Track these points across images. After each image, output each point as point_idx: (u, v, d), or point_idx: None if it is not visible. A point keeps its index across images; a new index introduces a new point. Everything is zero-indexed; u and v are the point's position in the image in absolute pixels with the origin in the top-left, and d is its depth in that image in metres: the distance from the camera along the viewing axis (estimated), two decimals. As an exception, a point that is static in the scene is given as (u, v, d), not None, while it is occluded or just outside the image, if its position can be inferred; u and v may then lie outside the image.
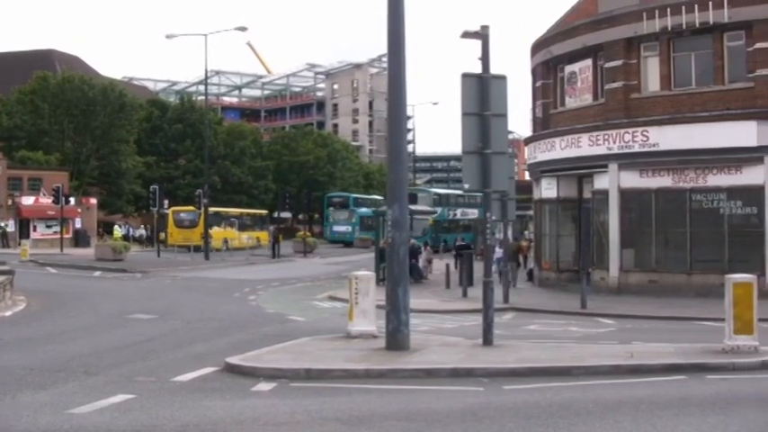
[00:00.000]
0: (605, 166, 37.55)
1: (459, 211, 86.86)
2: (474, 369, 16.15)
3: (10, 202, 75.22)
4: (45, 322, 25.06)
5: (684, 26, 35.78)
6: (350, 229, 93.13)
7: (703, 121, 35.09)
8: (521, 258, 47.69)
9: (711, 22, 35.03)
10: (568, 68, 41.82)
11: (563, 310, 31.69)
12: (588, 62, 40.31)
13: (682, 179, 35.95)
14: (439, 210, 79.15)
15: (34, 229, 76.85)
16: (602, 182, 38.21)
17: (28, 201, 77.43)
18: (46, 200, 74.34)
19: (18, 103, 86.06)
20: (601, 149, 37.51)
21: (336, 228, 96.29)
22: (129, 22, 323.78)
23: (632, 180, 37.06)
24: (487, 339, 19.00)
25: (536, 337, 22.73)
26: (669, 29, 36.23)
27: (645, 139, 36.10)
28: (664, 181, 36.40)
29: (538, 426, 11.53)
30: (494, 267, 38.85)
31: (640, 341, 21.21)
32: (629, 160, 36.74)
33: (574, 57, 41.08)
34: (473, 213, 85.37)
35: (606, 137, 37.38)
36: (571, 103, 41.79)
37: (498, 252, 37.48)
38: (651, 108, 36.88)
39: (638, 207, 37.63)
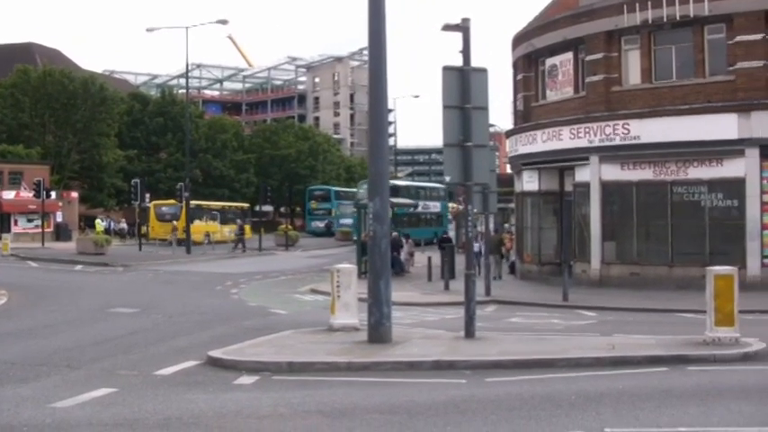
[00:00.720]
0: (586, 159, 37.64)
1: (420, 204, 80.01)
2: (456, 361, 16.17)
3: (-10, 196, 74.93)
4: (26, 316, 24.99)
5: (665, 19, 35.86)
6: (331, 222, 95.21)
7: (684, 113, 35.18)
8: (503, 251, 47.69)
9: (692, 15, 35.11)
10: (549, 61, 41.89)
11: (545, 302, 31.76)
12: (569, 55, 40.38)
13: (663, 172, 36.04)
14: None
15: (15, 224, 76.56)
16: (583, 174, 38.30)
17: (9, 195, 77.13)
18: (27, 194, 74.03)
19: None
20: (582, 142, 37.58)
21: (316, 222, 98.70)
22: (109, 15, 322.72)
23: (613, 173, 37.15)
24: (469, 332, 19.04)
25: (518, 330, 22.75)
26: (650, 22, 36.31)
27: (626, 131, 36.17)
28: (645, 174, 36.50)
29: (520, 417, 11.56)
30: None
31: (622, 333, 21.25)
32: (610, 153, 36.82)
33: (555, 50, 41.15)
34: (435, 207, 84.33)
35: (587, 130, 37.45)
36: (552, 96, 41.87)
37: (476, 246, 37.51)
38: (632, 101, 36.97)
39: (619, 200, 37.72)
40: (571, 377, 14.99)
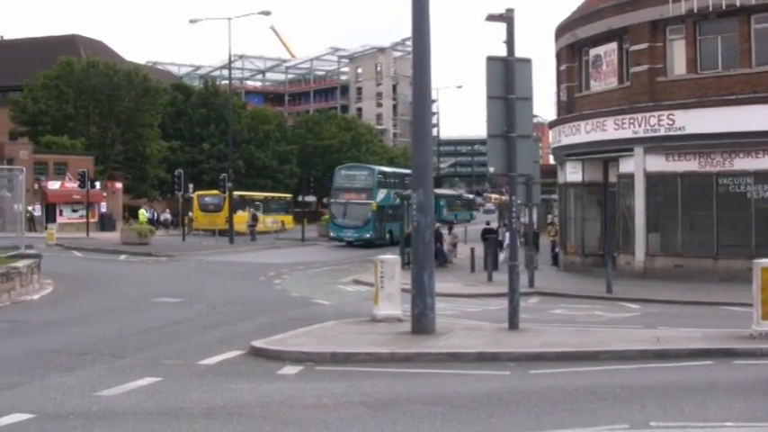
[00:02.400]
0: (631, 150, 37.39)
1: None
2: (500, 353, 16.12)
3: (36, 186, 75.47)
4: (71, 306, 25.21)
5: (711, 8, 35.50)
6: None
7: (730, 104, 34.82)
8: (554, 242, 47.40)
9: (738, 4, 34.73)
10: (593, 52, 41.61)
11: (588, 294, 31.62)
12: (613, 45, 40.08)
13: (708, 163, 35.74)
14: (384, 192, 66.99)
15: (60, 214, 77.19)
16: (627, 166, 38.04)
17: (54, 185, 77.78)
18: (71, 184, 74.60)
19: (43, 88, 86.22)
20: (626, 133, 37.33)
21: None
22: (152, 6, 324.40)
23: (658, 164, 36.87)
24: (513, 323, 18.99)
25: (561, 322, 22.68)
26: (695, 11, 35.95)
27: (671, 122, 35.89)
28: (690, 165, 36.20)
29: (564, 410, 11.50)
30: (502, 256, 39.26)
31: (666, 326, 21.13)
32: (654, 144, 36.56)
33: (599, 40, 40.86)
34: None
35: (632, 120, 37.19)
36: (596, 86, 41.59)
37: (507, 238, 37.45)
38: (677, 91, 36.65)
39: (663, 191, 37.41)
40: (615, 370, 14.89)
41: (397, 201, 63.60)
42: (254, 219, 69.83)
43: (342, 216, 65.28)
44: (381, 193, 66.00)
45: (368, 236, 63.98)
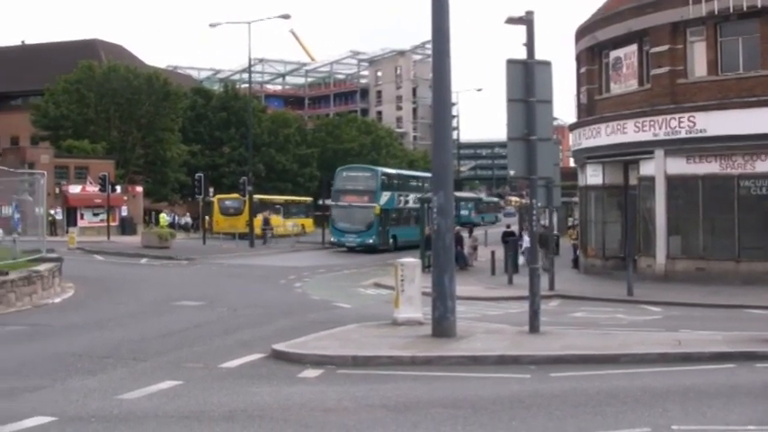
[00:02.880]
0: (651, 153, 37.30)
1: (411, 197, 66.51)
2: (520, 356, 16.09)
3: (57, 190, 75.78)
4: (93, 309, 25.31)
5: (731, 10, 35.38)
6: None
7: (751, 106, 34.69)
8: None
9: (759, 6, 34.62)
10: (613, 54, 41.53)
11: (609, 297, 31.53)
12: (633, 47, 39.99)
13: (729, 165, 35.63)
14: (387, 195, 63.74)
15: (81, 217, 77.55)
16: (648, 168, 37.95)
17: (75, 189, 78.13)
18: (92, 188, 74.95)
19: (64, 92, 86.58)
20: (647, 135, 37.23)
21: None
22: (172, 10, 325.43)
23: (679, 166, 36.77)
24: (534, 326, 18.96)
25: (582, 325, 22.63)
26: (716, 13, 35.83)
27: (692, 124, 35.79)
28: (711, 167, 36.09)
29: (585, 413, 11.48)
30: (521, 259, 39.18)
31: (688, 329, 21.07)
32: (675, 146, 36.46)
33: (619, 42, 40.77)
34: None
35: (652, 123, 37.09)
36: (616, 88, 41.51)
37: (527, 241, 37.41)
38: (698, 93, 36.53)
39: (684, 194, 37.29)
40: (636, 373, 14.84)
41: (401, 204, 65.04)
42: (267, 222, 69.70)
43: (343, 220, 62.54)
44: (385, 196, 63.23)
45: (370, 241, 61.11)
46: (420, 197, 57.09)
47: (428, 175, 73.53)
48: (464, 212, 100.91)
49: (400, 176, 71.16)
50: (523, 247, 39.96)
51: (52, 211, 73.25)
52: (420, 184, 69.53)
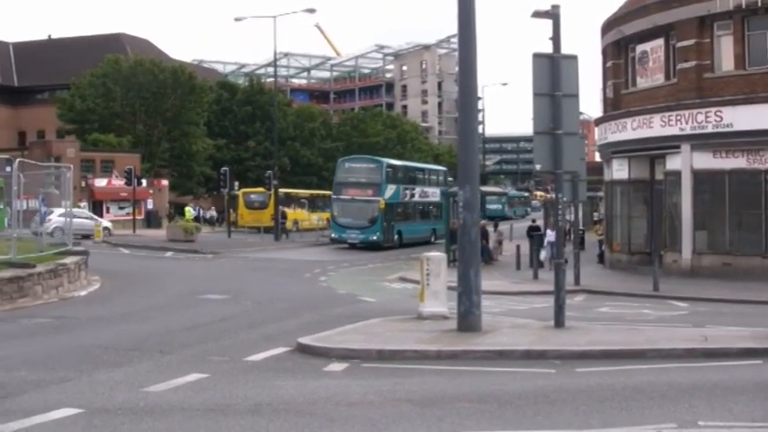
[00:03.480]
0: (678, 147, 37.14)
1: (417, 191, 64.13)
2: (546, 351, 16.06)
3: (83, 184, 76.08)
4: (119, 302, 25.40)
5: (759, 3, 35.18)
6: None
7: (779, 100, 34.53)
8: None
9: (787, 0, 34.45)
10: (640, 48, 41.35)
11: (635, 292, 31.44)
12: (660, 41, 39.81)
13: (756, 160, 35.44)
14: (392, 189, 59.77)
15: (107, 211, 77.78)
16: (674, 163, 37.80)
17: (101, 183, 78.45)
18: (118, 182, 75.22)
19: (90, 86, 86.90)
20: (673, 130, 37.07)
21: None
22: (198, 4, 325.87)
23: (705, 161, 36.60)
24: (559, 321, 18.92)
25: (608, 320, 22.57)
26: (743, 6, 35.62)
27: (718, 119, 35.60)
28: (738, 162, 35.92)
29: (612, 408, 11.44)
30: (544, 253, 39.06)
31: (714, 324, 20.98)
32: (702, 141, 36.29)
33: (645, 36, 40.60)
34: (434, 194, 65.95)
35: (679, 117, 36.93)
36: (642, 83, 41.34)
37: (550, 235, 37.31)
38: (724, 88, 36.33)
39: (711, 188, 37.12)
40: (662, 368, 14.79)
41: (407, 197, 61.70)
42: (284, 216, 69.33)
43: (345, 215, 58.77)
44: (390, 190, 59.38)
45: (374, 237, 57.32)
46: (444, 191, 56.82)
47: (434, 167, 71.45)
48: (498, 206, 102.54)
49: (406, 168, 67.51)
50: (546, 241, 39.76)
51: (82, 204, 73.68)
52: (426, 176, 68.19)
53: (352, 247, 56.90)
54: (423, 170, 70.41)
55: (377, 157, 68.00)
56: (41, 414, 10.62)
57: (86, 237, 54.31)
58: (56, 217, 52.68)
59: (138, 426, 10.35)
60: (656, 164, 40.19)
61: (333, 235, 59.80)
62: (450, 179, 72.94)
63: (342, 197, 59.08)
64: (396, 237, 59.17)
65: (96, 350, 15.98)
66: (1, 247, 29.58)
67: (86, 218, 59.45)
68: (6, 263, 24.97)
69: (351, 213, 58.39)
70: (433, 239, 62.06)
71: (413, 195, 63.13)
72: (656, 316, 24.25)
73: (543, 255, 39.37)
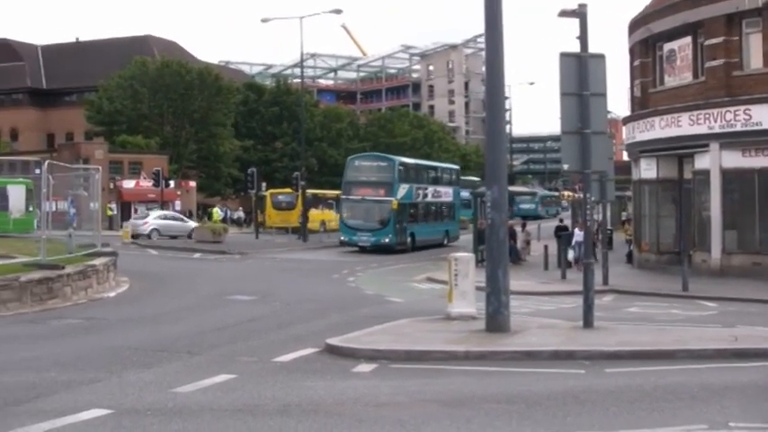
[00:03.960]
0: (706, 146, 36.92)
1: (429, 190, 61.05)
2: (575, 351, 16.01)
3: (111, 185, 76.48)
4: (147, 303, 25.51)
5: (789, 1, 34.97)
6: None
7: (809, 98, 34.30)
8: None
9: (816, -3, 34.21)
10: (667, 46, 41.13)
11: (664, 292, 31.29)
12: (688, 40, 39.58)
13: (786, 159, 35.23)
14: (405, 188, 56.52)
15: (135, 212, 78.13)
16: (703, 162, 37.59)
17: (129, 184, 78.94)
18: (146, 183, 75.54)
19: (118, 88, 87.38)
20: (701, 129, 36.85)
21: None
22: (224, 6, 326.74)
23: (734, 160, 36.37)
24: (588, 321, 18.86)
25: (636, 320, 22.49)
26: (772, 4, 35.42)
27: (747, 117, 35.36)
28: (767, 161, 35.68)
29: (641, 410, 11.39)
30: (572, 253, 38.90)
31: (744, 325, 20.86)
32: (730, 139, 36.06)
33: (673, 34, 40.37)
34: (446, 194, 63.87)
35: (707, 116, 36.71)
36: (670, 81, 41.12)
37: (578, 235, 37.19)
38: (753, 86, 36.06)
39: (740, 187, 36.88)
40: (692, 369, 14.73)
41: (419, 197, 58.37)
42: (305, 218, 68.81)
43: (355, 216, 55.90)
44: (402, 189, 56.11)
45: (386, 240, 54.23)
46: (472, 191, 56.33)
47: (446, 165, 70.01)
48: (531, 206, 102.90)
49: (418, 167, 63.89)
50: (574, 241, 39.61)
51: (112, 206, 74.13)
52: (438, 174, 65.20)
53: (362, 250, 54.27)
54: (435, 168, 67.61)
55: (388, 155, 64.73)
56: (72, 414, 10.68)
57: (174, 237, 59.40)
58: (152, 219, 57.41)
59: (168, 426, 10.39)
60: (685, 163, 39.98)
61: (342, 238, 56.77)
62: (462, 178, 72.73)
63: (351, 197, 56.49)
64: (408, 239, 56.51)
65: (126, 351, 16.04)
66: (31, 248, 29.85)
67: (177, 220, 64.46)
68: (36, 264, 25.14)
69: (361, 214, 55.83)
70: (445, 242, 60.88)
71: (425, 195, 60.27)
72: (685, 316, 24.14)
73: (571, 255, 39.22)
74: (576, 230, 38.74)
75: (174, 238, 59.62)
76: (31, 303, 22.98)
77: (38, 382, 12.86)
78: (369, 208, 55.32)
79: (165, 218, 63.69)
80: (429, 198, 60.66)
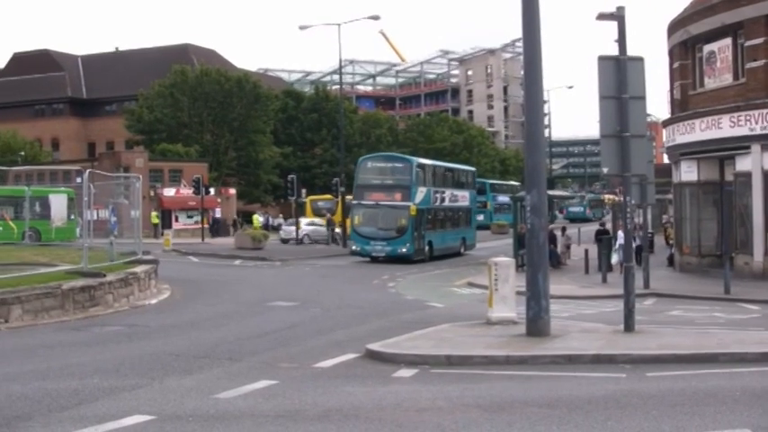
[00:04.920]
0: (747, 148, 36.61)
1: (447, 194, 55.86)
2: (616, 355, 15.94)
3: (152, 193, 76.96)
4: (188, 310, 25.63)
5: (829, 0, 34.67)
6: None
7: None
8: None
9: None
10: (707, 48, 40.85)
11: (705, 295, 31.08)
12: (728, 41, 39.29)
13: (828, 159, 34.91)
14: (423, 192, 51.49)
15: (176, 220, 78.63)
16: (744, 164, 37.28)
17: (169, 192, 79.38)
18: (186, 191, 75.96)
19: (158, 96, 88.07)
20: (742, 130, 36.56)
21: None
22: (262, 13, 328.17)
23: (776, 161, 36.08)
24: (629, 325, 18.78)
25: (678, 323, 22.36)
26: (813, 4, 35.13)
27: (789, 118, 35.08)
28: (810, 161, 35.38)
29: (683, 413, 11.31)
30: (615, 258, 38.53)
31: (788, 327, 20.71)
32: (772, 141, 35.77)
33: (712, 36, 40.10)
34: (463, 198, 59.23)
35: (748, 117, 36.42)
36: (710, 83, 40.84)
37: (622, 237, 36.97)
38: (795, 87, 35.78)
39: (782, 189, 36.57)
40: (735, 373, 14.61)
41: (437, 202, 53.66)
42: (330, 223, 69.03)
43: (368, 223, 51.12)
44: (420, 193, 51.16)
45: (404, 250, 49.33)
46: (512, 196, 55.74)
47: (463, 167, 65.91)
48: (580, 209, 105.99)
49: (436, 168, 57.72)
50: (618, 244, 39.29)
51: (155, 213, 74.68)
52: (455, 177, 60.01)
53: (374, 260, 50.12)
54: (452, 170, 61.47)
55: (405, 156, 60.72)
56: (114, 420, 10.76)
57: (316, 242, 67.36)
58: (304, 226, 68.37)
59: (209, 432, 10.45)
60: (726, 165, 39.68)
61: (353, 247, 51.87)
62: (501, 182, 71.84)
63: (364, 202, 51.55)
64: (426, 248, 51.53)
65: (167, 357, 16.13)
66: (72, 256, 30.08)
67: (319, 226, 70.59)
68: (78, 272, 25.31)
69: (375, 221, 50.95)
70: (462, 250, 56.92)
71: (443, 200, 55.25)
72: (727, 319, 23.97)
73: (615, 258, 38.82)
74: (620, 233, 38.41)
75: (316, 242, 67.12)
76: (74, 311, 23.14)
77: (80, 388, 12.95)
78: (384, 214, 50.59)
79: (312, 224, 70.26)
80: (446, 203, 55.96)
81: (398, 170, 52.32)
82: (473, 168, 68.35)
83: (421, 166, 53.73)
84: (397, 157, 57.65)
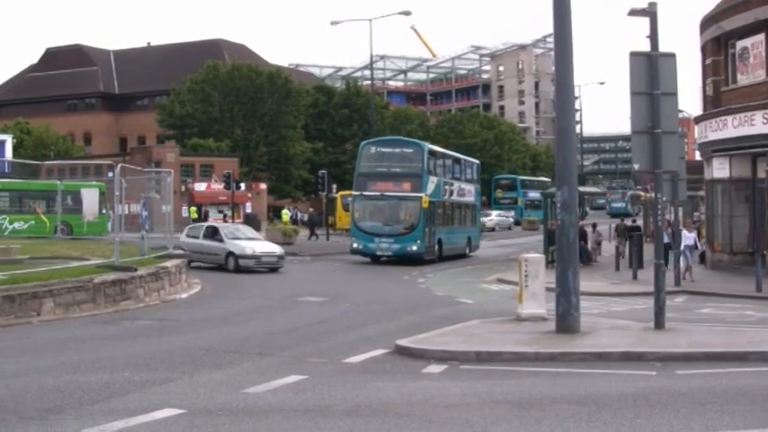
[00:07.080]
0: (781, 145, 36.41)
1: (455, 188, 50.64)
2: (645, 353, 15.88)
3: (183, 188, 77.26)
4: (219, 304, 25.74)
5: None
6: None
7: None
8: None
9: None
10: (740, 44, 40.59)
11: (737, 293, 30.87)
12: (761, 37, 39.01)
13: None
14: (434, 182, 46.42)
15: (206, 215, 78.86)
16: (777, 161, 37.07)
17: (200, 187, 79.64)
18: (217, 186, 76.16)
19: (189, 92, 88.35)
20: (775, 127, 36.35)
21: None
22: (294, 9, 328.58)
23: (810, 158, 35.84)
24: (659, 323, 18.70)
25: (709, 321, 22.22)
26: None
27: (822, 115, 34.84)
28: (843, 159, 35.13)
29: (713, 412, 11.27)
30: (683, 261, 37.89)
31: (820, 326, 20.58)
32: (806, 138, 35.53)
33: (745, 31, 39.83)
34: (469, 192, 54.35)
35: (781, 114, 36.19)
36: (743, 79, 40.57)
37: (688, 237, 36.63)
38: (829, 83, 35.54)
39: (815, 186, 36.32)
40: (765, 372, 14.55)
41: (446, 195, 48.58)
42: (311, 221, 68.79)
43: (372, 217, 45.86)
44: (432, 183, 45.91)
45: (414, 248, 44.01)
46: (543, 192, 55.29)
47: (469, 158, 60.65)
48: (621, 205, 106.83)
49: (446, 157, 52.05)
50: (683, 245, 38.02)
51: (194, 208, 74.98)
52: (462, 168, 54.48)
53: (375, 260, 45.80)
54: (459, 161, 54.91)
55: (415, 140, 55.60)
56: (144, 414, 10.84)
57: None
58: (494, 216, 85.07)
59: (239, 426, 10.48)
60: (759, 162, 39.41)
61: (354, 245, 46.09)
62: (531, 178, 71.59)
63: (367, 193, 45.99)
64: (436, 246, 46.54)
65: (197, 352, 16.20)
66: (104, 250, 30.24)
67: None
68: (109, 266, 25.45)
69: (380, 215, 45.69)
70: (467, 251, 52.26)
71: (452, 193, 49.97)
72: (759, 317, 23.82)
73: (683, 263, 36.21)
74: (685, 233, 37.19)
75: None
76: (105, 304, 23.29)
77: (111, 381, 13.05)
78: (391, 207, 45.44)
79: (500, 216, 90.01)
80: (455, 196, 50.64)
81: (408, 156, 46.58)
82: (477, 161, 62.89)
83: (432, 152, 48.20)
84: (407, 142, 52.26)
